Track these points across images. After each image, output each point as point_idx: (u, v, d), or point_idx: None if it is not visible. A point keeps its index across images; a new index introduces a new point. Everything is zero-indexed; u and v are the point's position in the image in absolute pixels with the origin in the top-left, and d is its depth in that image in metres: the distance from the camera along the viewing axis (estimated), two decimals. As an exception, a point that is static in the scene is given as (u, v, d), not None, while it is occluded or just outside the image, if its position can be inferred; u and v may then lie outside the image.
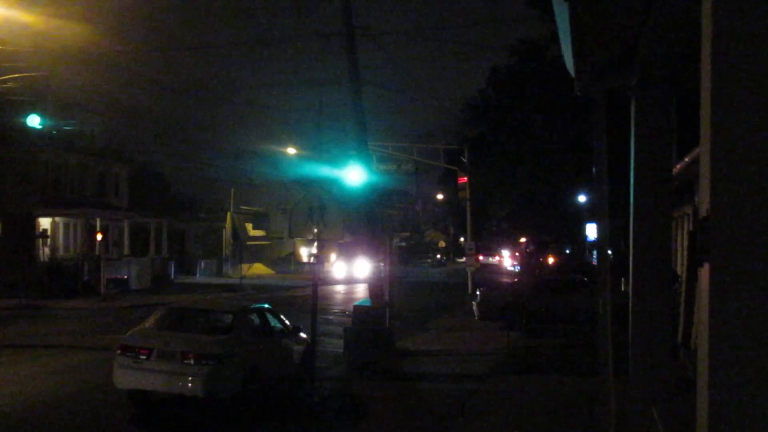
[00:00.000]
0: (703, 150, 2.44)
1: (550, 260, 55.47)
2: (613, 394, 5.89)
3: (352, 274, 58.16)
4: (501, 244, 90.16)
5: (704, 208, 2.43)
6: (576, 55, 4.80)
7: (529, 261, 57.60)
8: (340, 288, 51.86)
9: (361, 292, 44.64)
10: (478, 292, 29.59)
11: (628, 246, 6.43)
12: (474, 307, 29.32)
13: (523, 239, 73.60)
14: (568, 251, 58.95)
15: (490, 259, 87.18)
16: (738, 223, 2.34)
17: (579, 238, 55.92)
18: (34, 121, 28.79)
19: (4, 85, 31.49)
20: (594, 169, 5.89)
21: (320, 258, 61.74)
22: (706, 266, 2.43)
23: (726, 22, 2.36)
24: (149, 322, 15.25)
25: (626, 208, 6.32)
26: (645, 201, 5.92)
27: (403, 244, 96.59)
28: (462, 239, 77.48)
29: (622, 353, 6.60)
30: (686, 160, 14.72)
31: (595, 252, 70.98)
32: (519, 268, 63.19)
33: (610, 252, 30.56)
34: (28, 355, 20.13)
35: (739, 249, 2.35)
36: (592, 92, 5.60)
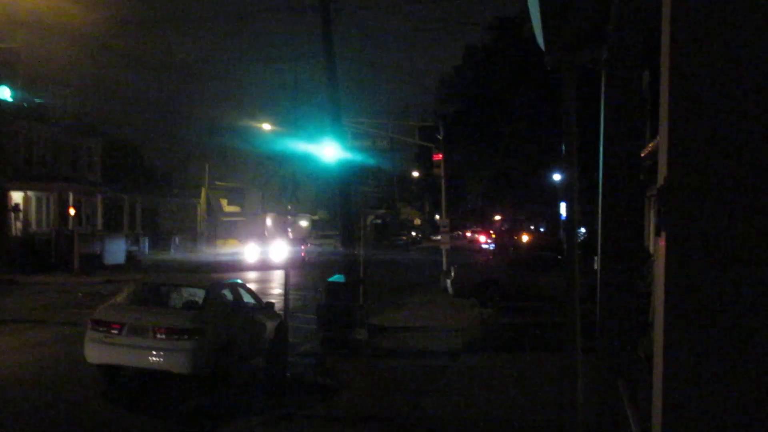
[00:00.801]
0: (662, 116, 2.45)
1: (524, 238, 55.69)
2: (581, 369, 5.93)
3: (266, 258, 47.13)
4: (476, 222, 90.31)
5: (662, 177, 2.43)
6: (545, 27, 4.77)
7: (502, 239, 57.62)
8: (251, 276, 38.59)
9: (277, 280, 36.42)
10: (452, 270, 29.69)
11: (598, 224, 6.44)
12: (448, 285, 29.45)
13: (497, 217, 73.71)
14: (542, 229, 59.16)
15: (476, 235, 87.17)
16: (695, 191, 2.35)
17: (554, 217, 56.24)
18: (4, 93, 28.42)
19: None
20: (564, 147, 5.88)
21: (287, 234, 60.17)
22: (663, 235, 2.44)
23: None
24: (121, 297, 15.19)
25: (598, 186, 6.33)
26: (614, 179, 5.92)
27: (379, 221, 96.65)
28: (437, 217, 77.51)
29: (591, 330, 6.64)
30: (659, 138, 14.80)
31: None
32: (493, 246, 63.25)
33: (583, 230, 30.60)
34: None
35: (696, 218, 2.36)
36: (562, 67, 5.58)
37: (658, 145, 2.53)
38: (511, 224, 63.40)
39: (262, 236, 54.06)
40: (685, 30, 2.33)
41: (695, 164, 2.33)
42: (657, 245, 2.62)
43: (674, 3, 2.33)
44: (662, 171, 2.43)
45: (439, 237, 41.92)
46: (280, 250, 46.85)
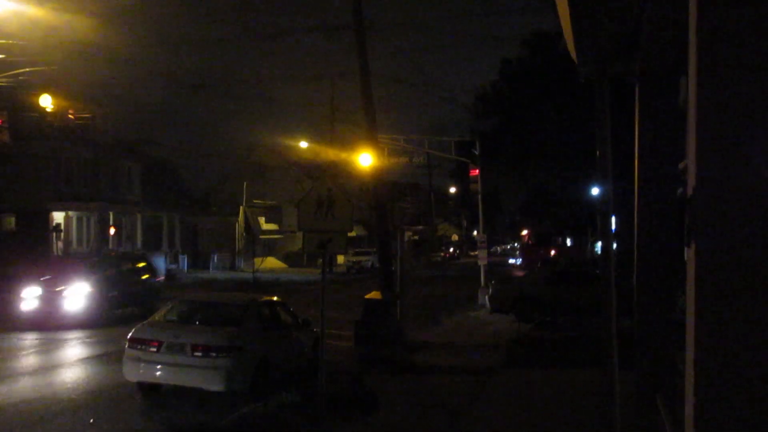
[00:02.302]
0: (690, 124, 2.41)
1: (552, 252, 55.02)
2: (618, 385, 5.85)
3: (56, 309, 25.58)
4: (514, 237, 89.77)
5: (690, 187, 2.39)
6: (576, 39, 4.74)
7: (530, 253, 56.66)
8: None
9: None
10: (489, 285, 29.56)
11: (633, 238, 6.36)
12: (486, 300, 29.30)
13: (524, 232, 72.37)
14: (569, 243, 58.32)
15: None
16: (722, 202, 2.31)
17: (592, 230, 55.76)
18: (46, 100, 28.91)
19: (17, 79, 31.56)
20: (598, 161, 5.82)
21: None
22: (693, 245, 2.40)
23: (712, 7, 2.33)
24: (159, 315, 15.31)
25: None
26: (650, 192, 5.86)
27: (416, 237, 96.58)
28: (475, 232, 77.25)
29: (631, 345, 6.55)
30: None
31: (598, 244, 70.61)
32: (520, 261, 62.27)
33: (614, 245, 30.45)
34: (43, 348, 20.22)
35: (724, 227, 2.32)
36: (595, 79, 5.53)
37: (687, 156, 2.49)
38: (537, 239, 62.03)
39: (56, 273, 27.72)
40: (711, 46, 2.31)
41: (723, 174, 2.29)
42: (688, 255, 2.57)
43: (701, 14, 2.31)
44: (691, 181, 2.39)
45: (476, 253, 41.69)
46: (77, 295, 26.11)
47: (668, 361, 5.86)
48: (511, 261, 70.48)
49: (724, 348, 2.33)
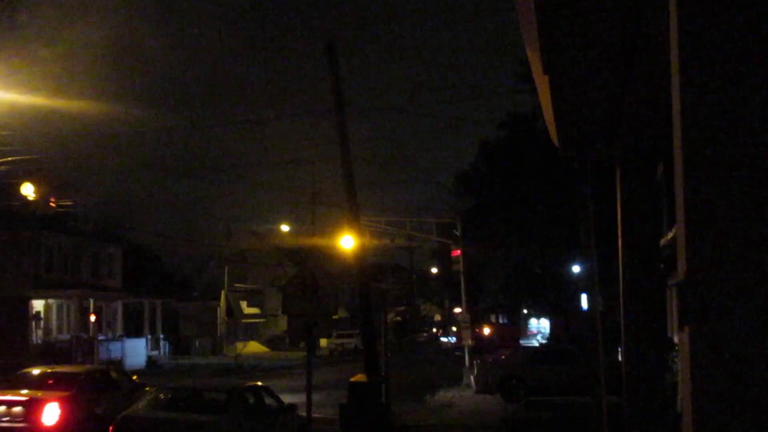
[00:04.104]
0: (678, 213, 2.49)
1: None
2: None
3: None
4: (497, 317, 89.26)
5: (682, 271, 2.46)
6: (558, 126, 4.87)
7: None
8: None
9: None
10: (474, 365, 29.41)
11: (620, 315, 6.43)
12: (472, 381, 29.11)
13: (457, 310, 71.91)
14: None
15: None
16: (715, 285, 2.37)
17: (575, 308, 55.92)
18: (28, 189, 29.02)
19: (-1, 169, 31.63)
20: (582, 240, 5.93)
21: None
22: (686, 329, 2.45)
23: (695, 96, 2.43)
24: (142, 403, 15.12)
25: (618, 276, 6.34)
26: (633, 269, 5.95)
27: (399, 318, 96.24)
28: (457, 309, 77.01)
29: (620, 422, 6.56)
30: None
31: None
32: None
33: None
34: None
35: (717, 311, 2.37)
36: (577, 162, 5.67)
37: (677, 240, 2.57)
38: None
39: None
40: (697, 128, 2.40)
41: (715, 259, 2.36)
42: (681, 339, 2.63)
43: (684, 100, 2.41)
44: (681, 266, 2.46)
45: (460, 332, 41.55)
46: None
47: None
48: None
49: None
